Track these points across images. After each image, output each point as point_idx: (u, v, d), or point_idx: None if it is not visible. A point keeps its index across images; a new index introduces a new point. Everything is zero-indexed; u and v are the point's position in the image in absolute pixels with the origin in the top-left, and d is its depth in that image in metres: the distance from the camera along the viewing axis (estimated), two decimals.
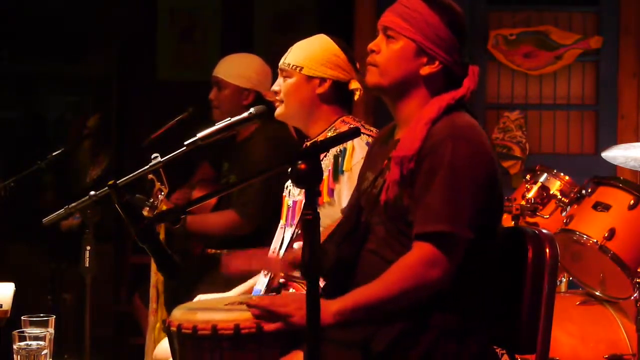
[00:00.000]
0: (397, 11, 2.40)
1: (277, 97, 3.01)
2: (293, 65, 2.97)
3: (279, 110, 3.00)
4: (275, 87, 3.02)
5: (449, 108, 2.34)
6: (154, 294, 3.39)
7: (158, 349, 3.18)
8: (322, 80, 2.97)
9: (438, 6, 2.38)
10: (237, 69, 3.99)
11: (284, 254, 2.87)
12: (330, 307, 2.21)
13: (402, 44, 2.38)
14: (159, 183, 3.16)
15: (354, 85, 3.00)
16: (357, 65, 3.03)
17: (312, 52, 2.97)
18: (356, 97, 3.01)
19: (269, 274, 2.95)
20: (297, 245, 2.90)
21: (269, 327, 2.25)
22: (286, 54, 3.02)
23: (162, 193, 3.20)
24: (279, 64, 3.03)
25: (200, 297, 3.13)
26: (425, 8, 2.37)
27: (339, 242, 2.47)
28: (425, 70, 2.38)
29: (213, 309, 2.41)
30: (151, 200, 3.20)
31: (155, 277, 3.39)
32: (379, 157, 2.50)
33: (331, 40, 3.01)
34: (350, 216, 2.52)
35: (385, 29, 2.41)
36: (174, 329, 2.34)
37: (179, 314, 2.39)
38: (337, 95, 2.99)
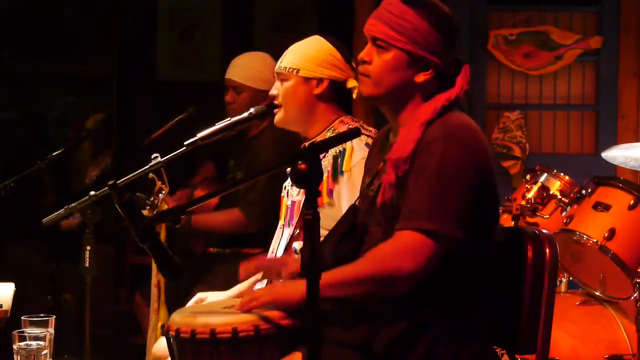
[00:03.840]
0: (384, 19, 2.37)
1: (275, 102, 3.00)
2: (289, 68, 2.97)
3: (278, 117, 3.00)
4: (273, 92, 3.02)
5: (444, 109, 2.34)
6: (155, 293, 3.39)
7: (157, 347, 3.17)
8: (320, 80, 2.97)
9: (425, 10, 2.36)
10: (253, 71, 3.99)
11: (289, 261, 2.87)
12: (300, 285, 2.21)
13: (393, 54, 2.37)
14: (160, 182, 3.16)
15: (352, 83, 2.99)
16: (354, 64, 3.03)
17: (307, 54, 2.97)
18: (354, 96, 3.00)
19: None
20: (297, 245, 2.90)
21: (264, 326, 2.26)
22: (282, 58, 3.01)
23: (163, 192, 3.19)
24: (275, 69, 3.03)
25: (200, 295, 3.12)
26: (413, 14, 2.35)
27: (335, 244, 2.47)
28: (419, 78, 2.38)
29: (211, 312, 2.41)
30: (152, 199, 3.20)
31: (157, 276, 3.39)
32: (375, 160, 2.51)
33: (326, 41, 3.01)
34: (347, 217, 2.52)
35: (374, 39, 2.39)
36: (172, 333, 2.34)
37: (178, 318, 2.38)
38: (335, 95, 2.99)
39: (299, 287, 2.27)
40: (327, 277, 2.19)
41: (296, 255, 2.89)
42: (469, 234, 2.23)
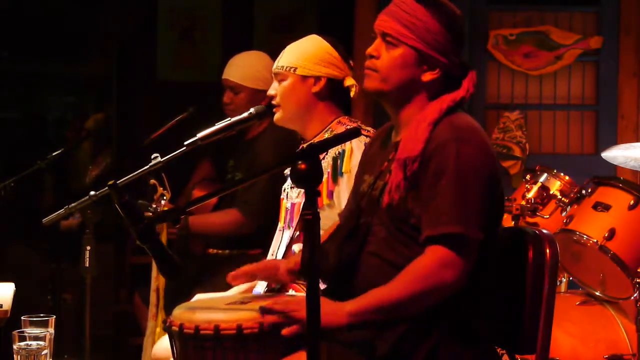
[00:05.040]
0: (395, 16, 2.38)
1: (273, 102, 3.00)
2: (287, 67, 2.97)
3: (277, 116, 3.00)
4: (271, 92, 3.02)
5: (449, 110, 2.34)
6: (154, 298, 3.38)
7: (157, 347, 3.17)
8: (317, 79, 2.97)
9: (436, 10, 2.37)
10: (251, 71, 3.98)
11: (282, 262, 2.87)
12: (343, 308, 2.21)
13: (402, 51, 2.37)
14: (162, 188, 3.16)
15: (349, 82, 3.00)
16: (351, 63, 3.03)
17: (304, 52, 2.97)
18: (352, 94, 3.00)
19: None
20: (297, 247, 2.90)
21: (269, 323, 2.25)
22: (279, 58, 3.02)
23: (165, 198, 3.19)
24: (273, 68, 3.03)
25: (200, 297, 3.12)
26: (425, 13, 2.36)
27: (338, 244, 2.47)
28: (426, 77, 2.38)
29: (214, 308, 2.41)
30: (154, 206, 3.19)
31: (156, 282, 3.38)
32: (378, 159, 2.50)
33: (323, 39, 3.01)
34: (349, 218, 2.52)
35: (384, 34, 2.39)
36: (175, 328, 2.33)
37: (180, 313, 2.38)
38: (333, 93, 2.99)
39: (340, 314, 2.22)
40: (367, 301, 2.22)
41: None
42: (485, 235, 2.24)
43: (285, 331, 2.21)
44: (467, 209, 2.23)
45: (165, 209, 3.19)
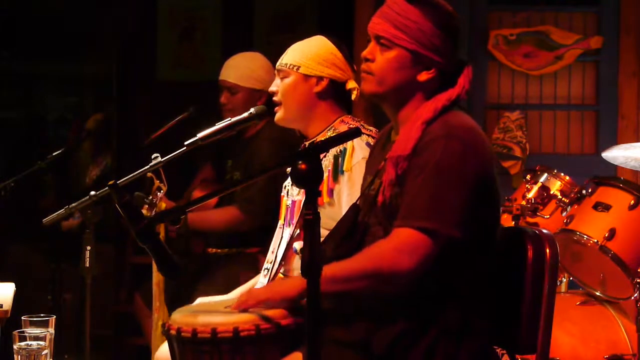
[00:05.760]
0: (388, 18, 2.38)
1: (274, 99, 3.01)
2: (290, 65, 2.98)
3: (278, 115, 3.00)
4: (272, 88, 3.03)
5: (445, 109, 2.34)
6: (156, 292, 3.39)
7: (159, 353, 3.17)
8: (320, 78, 2.97)
9: (430, 10, 2.36)
10: (247, 71, 3.99)
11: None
12: (297, 281, 2.27)
13: (397, 53, 2.37)
14: (158, 181, 3.16)
15: (351, 84, 3.00)
16: (355, 67, 3.03)
17: (308, 52, 2.98)
18: (354, 97, 3.00)
19: (269, 276, 2.95)
20: (298, 245, 2.90)
21: (265, 325, 2.26)
22: (283, 55, 3.02)
23: (161, 191, 3.20)
24: (276, 66, 3.03)
25: (201, 300, 3.12)
26: (418, 14, 2.35)
27: (336, 242, 2.47)
28: (422, 77, 2.38)
29: (212, 311, 2.41)
30: (150, 198, 3.20)
31: (158, 276, 3.39)
32: (377, 159, 2.51)
33: (328, 40, 3.02)
34: (348, 217, 2.52)
35: (378, 37, 2.39)
36: (173, 332, 2.34)
37: (178, 317, 2.39)
38: (335, 94, 2.99)
39: (294, 283, 2.32)
40: (326, 271, 2.20)
41: (297, 255, 2.90)
42: (468, 234, 2.23)
43: (263, 326, 2.27)
44: (442, 205, 2.22)
45: (162, 202, 3.20)
